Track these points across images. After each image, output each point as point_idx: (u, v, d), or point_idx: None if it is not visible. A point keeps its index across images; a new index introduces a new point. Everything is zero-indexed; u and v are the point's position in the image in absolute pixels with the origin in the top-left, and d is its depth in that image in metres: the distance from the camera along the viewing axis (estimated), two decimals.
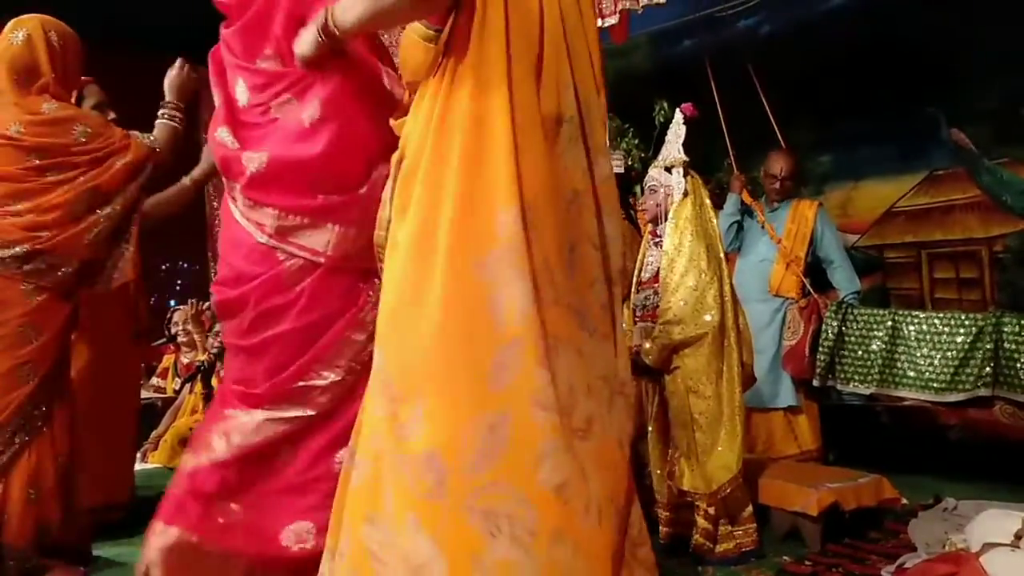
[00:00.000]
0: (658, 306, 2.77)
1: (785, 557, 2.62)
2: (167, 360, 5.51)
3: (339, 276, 1.92)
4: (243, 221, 1.94)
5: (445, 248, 1.39)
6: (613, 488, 1.40)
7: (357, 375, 1.87)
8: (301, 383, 1.88)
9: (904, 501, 2.95)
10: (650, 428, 2.80)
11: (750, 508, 2.67)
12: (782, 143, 4.17)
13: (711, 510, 2.59)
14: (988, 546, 1.97)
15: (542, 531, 1.28)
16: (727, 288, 2.73)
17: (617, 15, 3.62)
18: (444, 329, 1.37)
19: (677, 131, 2.89)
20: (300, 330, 1.89)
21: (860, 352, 3.55)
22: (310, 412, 1.89)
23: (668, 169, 2.86)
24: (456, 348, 1.36)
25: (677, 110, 2.94)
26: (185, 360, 5.13)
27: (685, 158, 2.84)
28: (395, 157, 1.57)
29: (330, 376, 1.88)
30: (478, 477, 1.31)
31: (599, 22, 3.68)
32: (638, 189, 3.83)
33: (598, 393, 1.44)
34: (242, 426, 1.89)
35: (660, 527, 2.73)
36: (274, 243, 1.90)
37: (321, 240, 1.89)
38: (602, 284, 1.53)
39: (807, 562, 2.56)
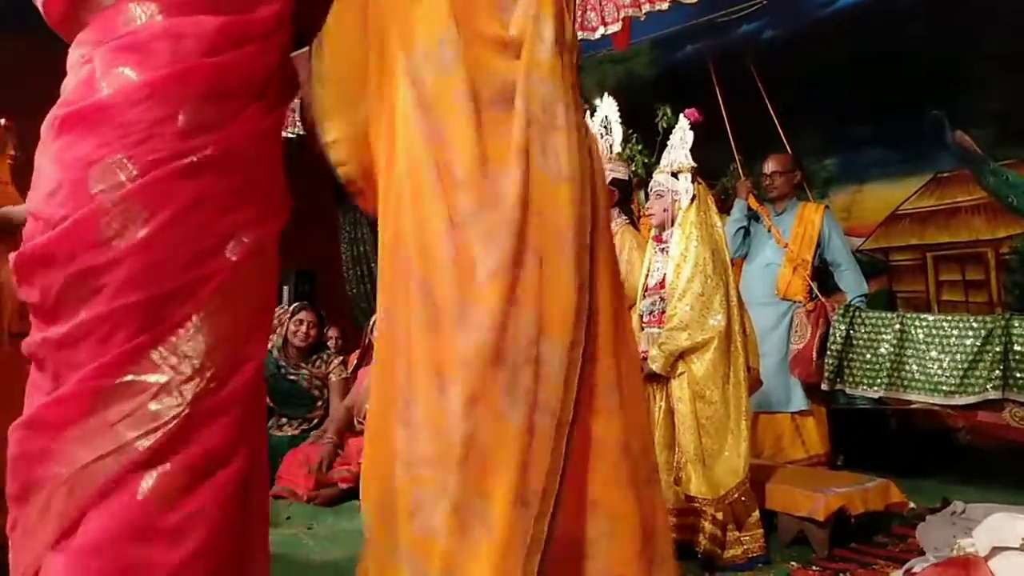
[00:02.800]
0: (664, 312, 2.77)
1: (793, 563, 2.61)
2: None
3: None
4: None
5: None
6: None
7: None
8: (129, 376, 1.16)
9: (912, 505, 2.94)
10: (656, 433, 2.80)
11: (757, 513, 2.66)
12: (787, 147, 4.17)
13: (718, 515, 2.58)
14: (997, 550, 1.96)
15: None
16: (733, 293, 2.74)
17: (620, 22, 3.63)
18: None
19: (683, 136, 2.90)
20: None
21: (868, 355, 3.53)
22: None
23: (675, 174, 2.87)
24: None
25: (682, 115, 2.94)
26: None
27: (693, 164, 2.85)
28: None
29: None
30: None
31: (602, 29, 3.70)
32: (642, 195, 3.84)
33: None
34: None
35: None
36: None
37: None
38: None
39: (815, 567, 2.55)
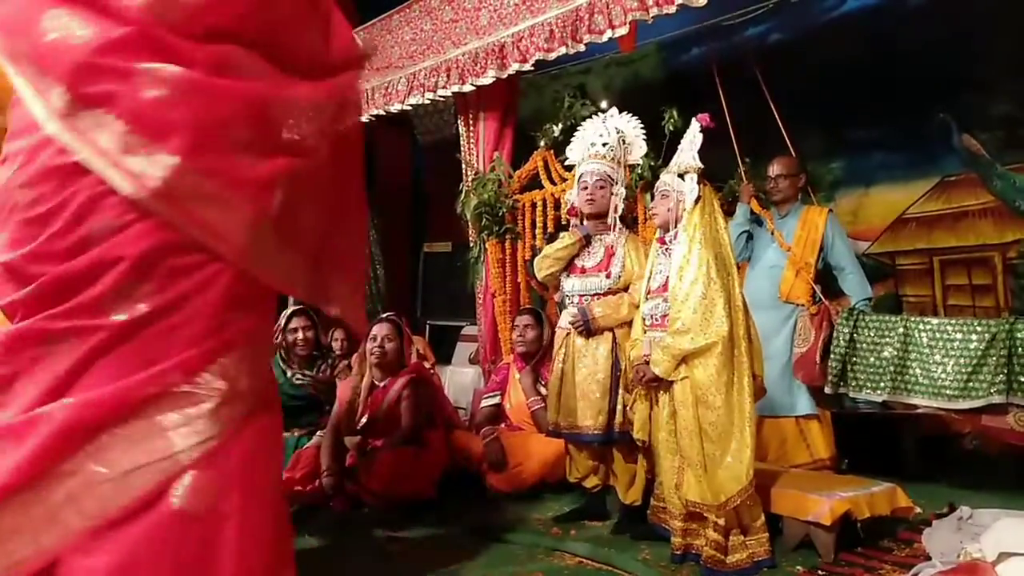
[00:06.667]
0: (667, 315, 2.76)
1: (798, 567, 2.60)
2: None
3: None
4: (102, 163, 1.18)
5: None
6: None
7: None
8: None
9: (918, 510, 2.92)
10: (660, 438, 2.79)
11: (763, 518, 2.65)
12: (791, 150, 4.16)
13: (721, 521, 2.57)
14: (1005, 555, 1.96)
15: None
16: (737, 297, 2.72)
17: (627, 26, 3.61)
18: None
19: (692, 139, 2.88)
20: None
21: (872, 359, 3.51)
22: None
23: (681, 175, 2.86)
24: None
25: (694, 119, 2.93)
26: None
27: (699, 165, 2.84)
28: None
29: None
30: None
31: (609, 32, 3.68)
32: (647, 197, 3.83)
33: None
34: None
35: (672, 538, 2.72)
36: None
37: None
38: None
39: (820, 572, 2.55)
